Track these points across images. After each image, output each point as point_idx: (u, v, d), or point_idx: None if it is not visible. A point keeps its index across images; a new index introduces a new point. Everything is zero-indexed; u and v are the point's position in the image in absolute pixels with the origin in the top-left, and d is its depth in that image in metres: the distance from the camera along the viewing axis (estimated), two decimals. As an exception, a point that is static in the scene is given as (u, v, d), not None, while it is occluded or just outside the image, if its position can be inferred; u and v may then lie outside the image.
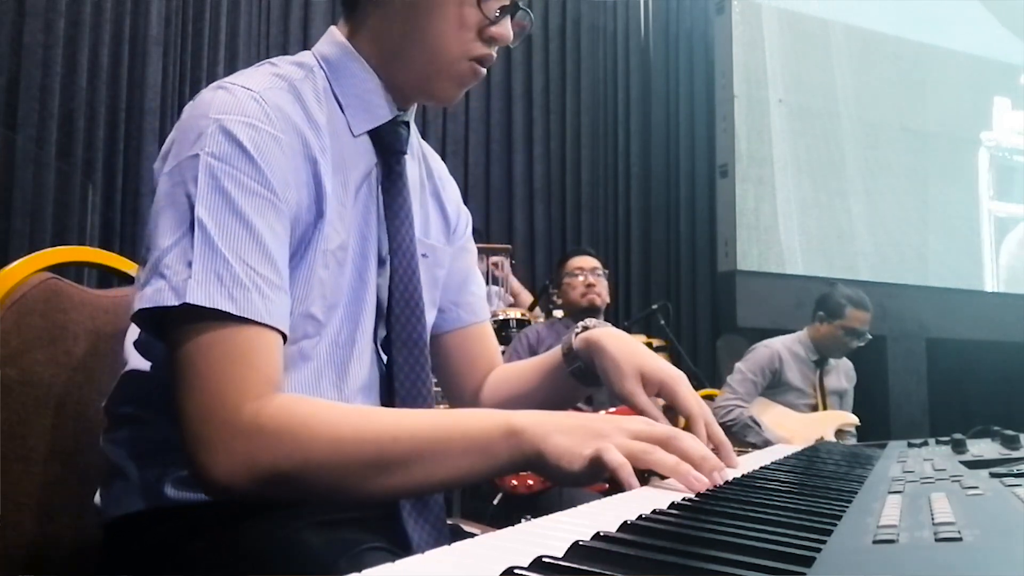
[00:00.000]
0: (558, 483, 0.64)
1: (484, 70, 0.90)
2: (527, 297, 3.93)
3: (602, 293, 2.88)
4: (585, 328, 0.99)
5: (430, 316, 0.97)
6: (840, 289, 3.19)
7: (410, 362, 0.89)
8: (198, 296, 0.69)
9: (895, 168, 5.02)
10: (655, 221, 5.22)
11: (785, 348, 3.19)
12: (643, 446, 0.67)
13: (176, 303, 0.69)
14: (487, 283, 3.86)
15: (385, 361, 0.91)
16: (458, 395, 1.08)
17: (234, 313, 0.70)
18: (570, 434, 0.68)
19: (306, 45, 4.28)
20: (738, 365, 3.21)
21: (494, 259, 3.89)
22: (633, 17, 5.35)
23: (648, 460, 0.66)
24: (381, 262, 0.90)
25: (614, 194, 5.16)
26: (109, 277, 1.18)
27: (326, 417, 0.71)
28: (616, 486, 0.66)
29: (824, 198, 4.78)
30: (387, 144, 0.91)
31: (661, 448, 0.67)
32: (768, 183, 4.63)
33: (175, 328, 0.71)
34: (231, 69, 4.00)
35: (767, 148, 4.64)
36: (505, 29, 0.88)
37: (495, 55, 0.90)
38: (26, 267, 0.96)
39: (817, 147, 4.81)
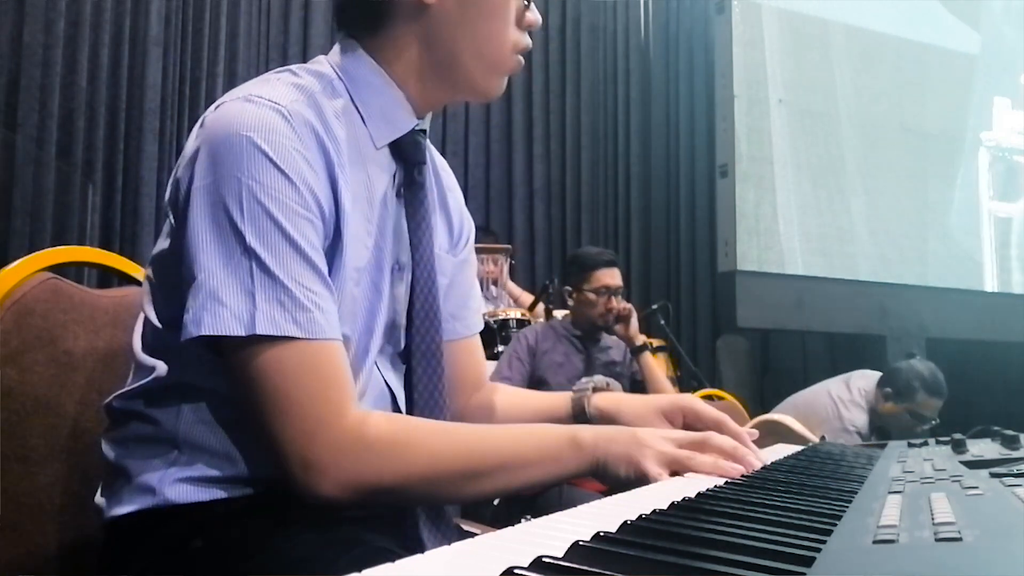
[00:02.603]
0: (612, 486, 0.77)
1: (523, 60, 0.94)
2: (527, 299, 3.93)
3: (615, 314, 2.82)
4: (596, 389, 1.06)
5: None
6: (914, 367, 2.87)
7: (428, 372, 0.91)
8: (266, 327, 0.73)
9: (895, 168, 5.01)
10: (655, 221, 5.22)
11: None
12: (686, 453, 0.79)
13: (244, 333, 0.72)
14: (489, 285, 3.87)
15: (384, 372, 0.93)
16: None
17: (301, 336, 0.74)
18: (625, 445, 0.80)
19: (306, 45, 4.31)
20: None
21: (493, 257, 3.88)
22: (633, 17, 5.34)
23: (690, 465, 0.78)
24: (393, 272, 0.91)
25: (614, 194, 5.16)
26: (109, 277, 1.18)
27: (421, 433, 0.80)
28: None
29: (824, 198, 4.77)
30: (409, 155, 0.91)
31: (699, 451, 0.79)
32: (768, 183, 4.62)
33: (241, 353, 0.74)
34: (231, 69, 4.00)
35: (767, 148, 4.63)
36: (536, 14, 0.93)
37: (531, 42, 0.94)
38: (26, 267, 0.96)
39: (817, 147, 4.80)
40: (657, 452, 0.78)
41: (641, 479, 0.78)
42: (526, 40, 0.92)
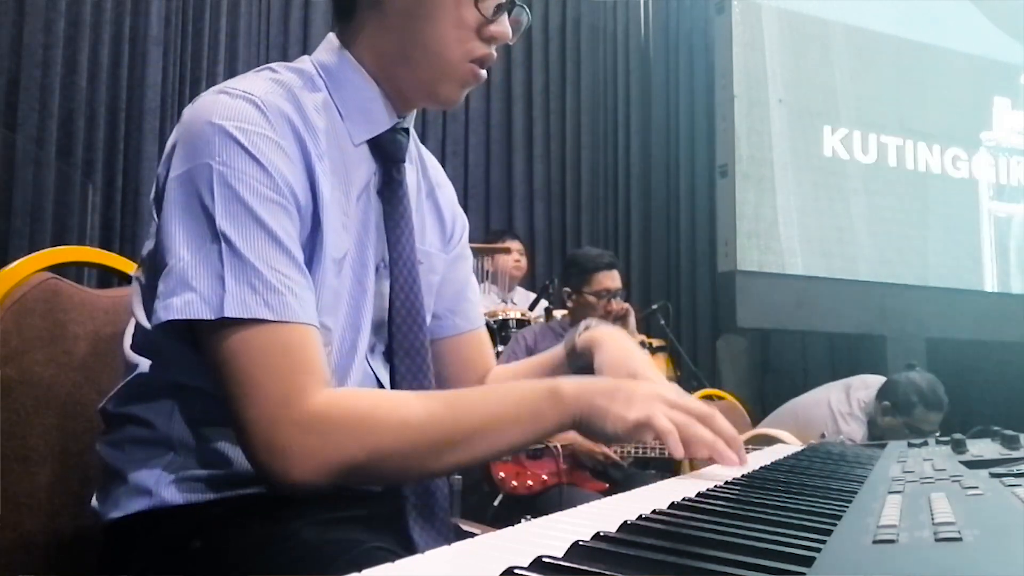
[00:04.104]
0: (602, 442, 0.69)
1: (484, 71, 0.90)
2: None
3: (614, 315, 2.82)
4: (587, 328, 1.01)
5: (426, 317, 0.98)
6: (913, 380, 2.78)
7: (412, 370, 0.90)
8: (235, 309, 0.71)
9: (895, 168, 5.02)
10: (655, 221, 5.22)
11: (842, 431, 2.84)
12: (685, 418, 0.73)
13: (212, 317, 0.70)
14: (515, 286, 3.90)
15: (377, 370, 0.92)
16: None
17: (272, 319, 0.71)
18: (612, 398, 0.75)
19: (306, 45, 4.31)
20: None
21: (515, 259, 3.90)
22: (633, 17, 5.34)
23: (689, 433, 0.73)
24: (378, 270, 0.90)
25: (614, 194, 5.16)
26: (109, 277, 1.18)
27: (389, 405, 0.75)
28: (618, 486, 0.68)
29: (824, 198, 4.77)
30: (387, 152, 0.91)
31: (699, 423, 0.73)
32: (768, 183, 4.62)
33: (212, 337, 0.72)
34: (231, 69, 4.00)
35: (767, 148, 4.63)
36: (503, 27, 0.89)
37: (495, 55, 0.90)
38: (26, 267, 0.96)
39: (817, 147, 4.80)
40: (654, 408, 0.73)
41: (627, 435, 0.74)
42: (483, 50, 0.88)
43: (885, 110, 5.02)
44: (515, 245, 3.99)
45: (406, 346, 0.90)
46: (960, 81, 5.26)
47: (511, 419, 0.76)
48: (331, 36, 0.92)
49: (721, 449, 0.72)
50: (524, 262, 4.03)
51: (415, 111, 0.96)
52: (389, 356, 0.91)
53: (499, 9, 0.88)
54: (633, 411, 0.74)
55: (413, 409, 0.75)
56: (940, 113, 5.18)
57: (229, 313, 0.70)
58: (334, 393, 0.74)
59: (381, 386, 0.93)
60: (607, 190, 5.15)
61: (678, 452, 0.72)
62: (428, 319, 1.00)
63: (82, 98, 3.52)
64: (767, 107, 4.66)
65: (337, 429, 0.71)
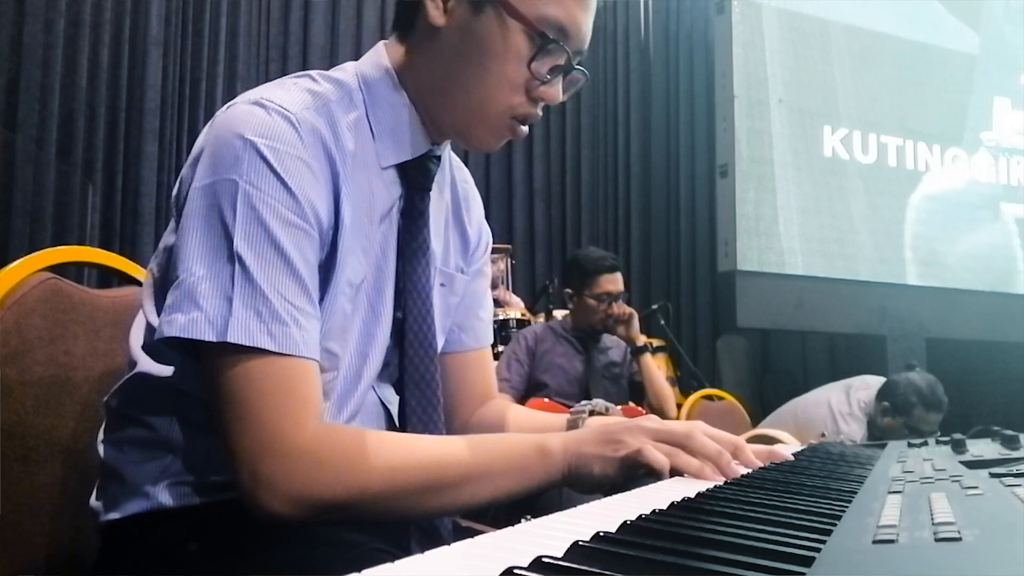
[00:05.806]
0: (592, 492, 0.72)
1: (525, 129, 0.88)
2: (517, 304, 3.92)
3: (616, 319, 2.80)
4: (594, 412, 1.03)
5: (439, 343, 0.96)
6: (913, 381, 2.80)
7: (423, 404, 0.89)
8: (239, 335, 0.70)
9: (895, 168, 5.02)
10: (655, 221, 5.22)
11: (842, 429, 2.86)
12: (668, 449, 0.74)
13: (215, 339, 0.70)
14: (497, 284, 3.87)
15: (383, 397, 0.92)
16: (448, 419, 1.05)
17: (273, 350, 0.71)
18: (597, 444, 0.76)
19: (306, 45, 4.30)
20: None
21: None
22: (633, 17, 5.34)
23: (676, 463, 0.73)
24: (393, 295, 0.89)
25: (614, 194, 5.16)
26: (109, 277, 1.18)
27: (378, 447, 0.74)
28: (618, 486, 0.69)
29: (824, 198, 4.77)
30: (413, 179, 0.89)
31: (683, 450, 0.74)
32: (768, 183, 4.62)
33: (213, 359, 0.72)
34: (231, 69, 4.00)
35: (767, 148, 4.63)
36: (555, 90, 0.86)
37: (540, 113, 0.88)
38: (26, 267, 0.96)
39: (817, 147, 4.80)
40: (642, 442, 0.74)
41: (623, 477, 0.74)
42: (527, 108, 0.86)
43: (885, 110, 5.02)
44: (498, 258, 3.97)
45: (416, 379, 0.89)
46: (960, 81, 5.26)
47: (499, 471, 0.76)
48: (380, 47, 0.90)
49: (708, 474, 0.72)
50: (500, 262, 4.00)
51: (450, 140, 0.94)
52: (400, 389, 0.90)
53: (554, 71, 0.85)
54: (621, 449, 0.74)
55: (401, 452, 0.74)
56: (940, 113, 5.18)
57: (232, 338, 0.70)
58: (325, 428, 0.74)
59: (389, 413, 0.91)
60: (607, 190, 5.15)
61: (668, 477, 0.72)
62: (441, 340, 0.98)
63: (82, 98, 3.52)
64: (767, 107, 4.66)
65: (323, 466, 0.71)
